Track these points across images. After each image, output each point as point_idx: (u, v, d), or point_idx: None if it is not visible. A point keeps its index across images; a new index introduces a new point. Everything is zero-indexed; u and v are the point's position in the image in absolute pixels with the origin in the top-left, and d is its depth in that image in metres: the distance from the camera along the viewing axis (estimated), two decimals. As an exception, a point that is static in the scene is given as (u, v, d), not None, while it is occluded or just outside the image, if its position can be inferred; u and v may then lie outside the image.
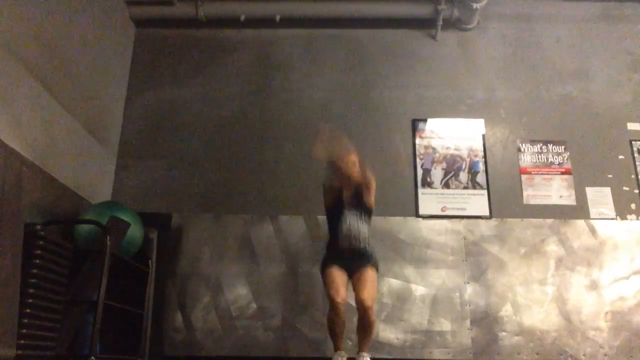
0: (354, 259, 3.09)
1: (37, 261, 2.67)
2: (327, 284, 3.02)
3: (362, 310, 2.89)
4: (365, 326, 2.94)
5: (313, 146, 3.33)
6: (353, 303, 3.01)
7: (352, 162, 3.18)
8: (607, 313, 3.83)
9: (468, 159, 4.32)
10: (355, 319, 3.01)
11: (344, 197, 3.19)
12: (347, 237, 3.09)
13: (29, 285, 2.62)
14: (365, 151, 4.30)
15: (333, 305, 2.91)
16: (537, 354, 3.73)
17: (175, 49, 4.71)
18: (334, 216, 3.18)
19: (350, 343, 3.71)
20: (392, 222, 4.07)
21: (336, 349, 2.99)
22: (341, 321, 2.94)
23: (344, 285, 2.98)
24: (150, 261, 3.76)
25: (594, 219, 4.11)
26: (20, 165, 2.87)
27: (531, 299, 3.87)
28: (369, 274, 3.03)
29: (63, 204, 3.38)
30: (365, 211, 3.18)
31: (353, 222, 3.12)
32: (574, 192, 4.21)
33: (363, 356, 2.94)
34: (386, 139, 4.36)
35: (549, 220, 4.09)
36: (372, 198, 3.20)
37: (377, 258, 3.17)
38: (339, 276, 3.00)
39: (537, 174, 4.28)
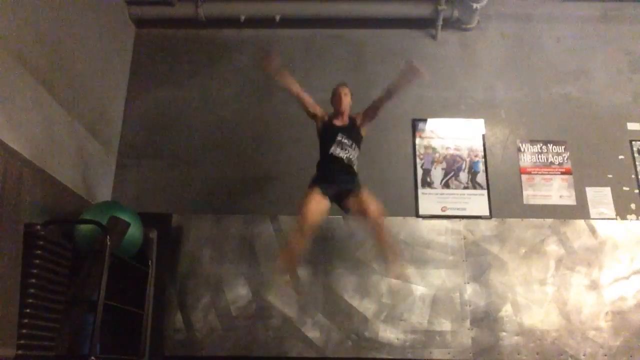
0: (341, 181, 3.22)
1: (37, 261, 2.67)
2: (305, 204, 3.11)
3: (375, 221, 3.09)
4: (383, 237, 3.14)
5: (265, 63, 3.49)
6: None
7: (345, 94, 3.40)
8: (607, 313, 3.83)
9: (468, 159, 4.32)
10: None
11: (335, 123, 3.33)
12: (339, 157, 3.23)
13: (29, 285, 2.61)
14: (365, 151, 4.32)
15: (302, 221, 3.05)
16: (537, 354, 3.73)
17: (175, 49, 4.71)
18: (325, 139, 3.34)
19: (350, 343, 3.72)
20: (392, 222, 4.06)
21: (293, 277, 3.17)
22: (301, 242, 3.08)
23: (320, 212, 3.11)
24: (150, 261, 3.76)
25: (594, 219, 4.11)
26: (20, 165, 2.87)
27: (531, 299, 3.87)
28: (363, 195, 3.18)
29: (63, 204, 3.38)
30: (357, 138, 3.35)
31: (344, 146, 3.26)
32: (574, 192, 4.21)
33: (402, 265, 3.17)
34: (386, 139, 4.36)
35: (549, 220, 4.09)
36: (366, 123, 3.41)
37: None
38: (319, 202, 3.12)
39: (537, 174, 4.28)
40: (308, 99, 3.45)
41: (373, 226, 3.12)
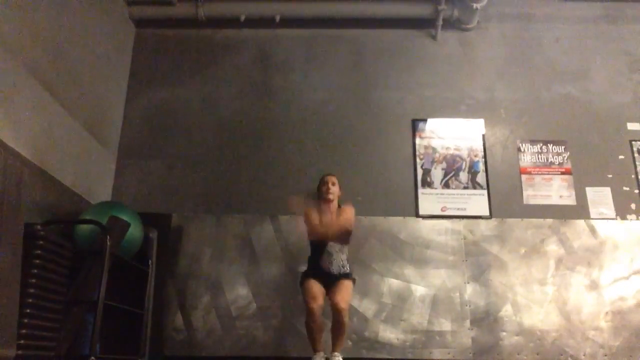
0: (334, 279, 3.29)
1: (37, 261, 2.67)
2: (304, 292, 3.25)
3: (335, 312, 3.09)
4: (337, 327, 3.12)
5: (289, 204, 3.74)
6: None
7: (332, 183, 3.49)
8: (607, 313, 3.83)
9: (468, 159, 4.32)
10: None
11: (324, 232, 3.36)
12: (327, 266, 3.31)
13: (29, 285, 2.61)
14: (365, 151, 4.33)
15: (309, 310, 3.14)
16: (537, 354, 3.73)
17: (175, 49, 4.71)
18: (316, 244, 3.41)
19: (350, 343, 3.72)
20: (392, 222, 4.07)
21: (315, 350, 3.19)
22: (318, 326, 3.15)
23: (320, 293, 3.19)
24: (150, 261, 3.76)
25: (594, 219, 4.11)
26: (21, 165, 2.87)
27: (531, 299, 3.87)
28: (344, 282, 3.25)
29: (63, 204, 3.38)
30: (344, 241, 3.40)
31: (333, 254, 3.33)
32: (574, 192, 4.21)
33: (335, 356, 3.13)
34: (386, 139, 4.36)
35: (549, 220, 4.09)
36: (351, 224, 3.41)
37: (354, 274, 3.40)
38: (315, 285, 3.23)
39: (537, 174, 4.28)
40: (312, 224, 3.41)
41: (333, 313, 3.11)
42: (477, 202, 4.17)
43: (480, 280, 3.93)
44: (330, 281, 3.28)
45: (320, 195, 3.52)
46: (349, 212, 3.44)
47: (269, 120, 4.45)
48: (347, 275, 3.32)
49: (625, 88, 4.55)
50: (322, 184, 3.52)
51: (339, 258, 3.34)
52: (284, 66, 4.65)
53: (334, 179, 3.53)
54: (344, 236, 3.38)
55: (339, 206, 3.52)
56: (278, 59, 4.68)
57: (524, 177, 4.27)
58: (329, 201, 3.46)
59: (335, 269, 3.30)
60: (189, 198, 4.20)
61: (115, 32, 4.40)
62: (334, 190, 3.48)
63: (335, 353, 3.14)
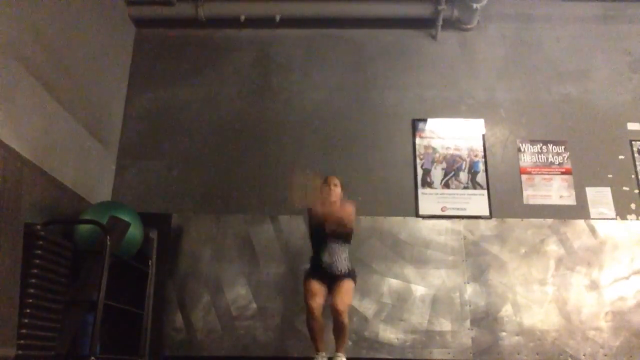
0: (335, 278, 3.31)
1: (37, 261, 2.67)
2: (305, 291, 3.29)
3: (335, 314, 3.13)
4: (338, 328, 3.16)
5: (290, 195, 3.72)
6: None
7: (334, 184, 3.50)
8: (607, 313, 3.83)
9: (468, 159, 4.32)
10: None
11: (326, 228, 3.38)
12: (329, 264, 3.33)
13: (29, 285, 2.61)
14: (365, 151, 4.33)
15: (309, 310, 3.18)
16: (537, 354, 3.73)
17: (175, 49, 4.71)
18: (317, 242, 3.44)
19: (350, 343, 3.72)
20: (392, 222, 4.07)
21: (317, 350, 3.22)
22: (318, 325, 3.19)
23: (321, 293, 3.24)
24: (150, 261, 3.76)
25: (594, 219, 4.11)
26: (21, 165, 2.87)
27: (531, 299, 3.87)
28: (345, 283, 3.27)
29: (63, 204, 3.38)
30: (346, 239, 3.43)
31: (334, 251, 3.36)
32: (574, 192, 4.21)
33: (339, 356, 3.18)
34: (386, 139, 4.36)
35: (549, 220, 4.09)
36: (351, 223, 3.43)
37: (355, 272, 3.42)
38: (316, 285, 3.27)
39: (537, 174, 4.28)
40: (315, 207, 3.47)
41: (333, 315, 3.15)
42: (477, 202, 4.17)
43: (480, 280, 3.93)
44: (332, 280, 3.29)
45: (322, 197, 3.52)
46: (349, 207, 3.44)
47: (269, 120, 4.45)
48: (348, 275, 3.33)
49: (625, 88, 4.55)
50: (324, 186, 3.53)
51: (340, 256, 3.36)
52: (284, 66, 4.65)
53: (336, 181, 3.54)
54: (344, 227, 3.37)
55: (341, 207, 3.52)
56: (278, 59, 4.68)
57: (524, 177, 4.27)
58: (331, 203, 3.46)
59: (336, 266, 3.32)
60: (189, 198, 4.20)
61: (115, 32, 4.40)
62: (336, 192, 3.50)
63: (339, 353, 3.18)
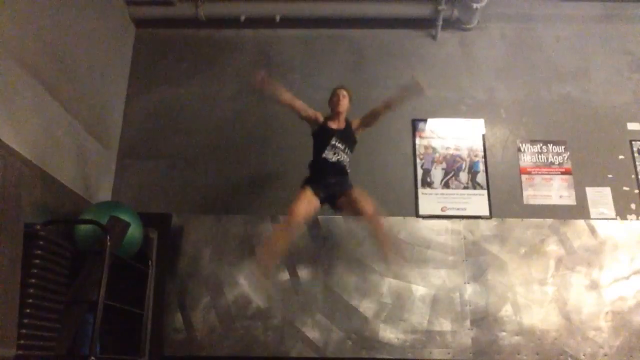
0: (333, 184, 3.27)
1: (37, 261, 2.67)
2: (295, 202, 3.17)
3: (370, 218, 3.14)
4: (381, 236, 3.21)
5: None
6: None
7: (343, 95, 3.46)
8: (607, 313, 3.83)
9: (468, 159, 4.32)
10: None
11: (330, 126, 3.37)
12: (330, 158, 3.30)
13: (29, 285, 2.61)
14: (365, 151, 4.32)
15: (289, 218, 3.11)
16: (537, 354, 3.73)
17: (175, 49, 4.71)
18: (319, 141, 3.40)
19: (350, 343, 3.72)
20: (392, 222, 4.07)
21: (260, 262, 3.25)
22: (285, 236, 3.17)
23: (311, 205, 3.18)
24: (150, 261, 3.76)
25: (594, 219, 4.11)
26: (20, 165, 2.86)
27: (531, 299, 3.87)
28: (356, 191, 3.24)
29: (63, 204, 3.38)
30: (351, 142, 3.41)
31: (339, 150, 3.32)
32: (574, 192, 4.21)
33: (401, 263, 3.29)
34: (386, 139, 4.36)
35: (549, 220, 4.09)
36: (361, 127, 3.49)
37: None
38: (310, 200, 3.19)
39: (537, 174, 4.28)
40: (300, 104, 3.48)
41: (370, 224, 3.16)
42: (477, 202, 4.17)
43: (480, 280, 3.93)
44: (333, 188, 3.25)
45: (330, 107, 3.50)
46: (358, 121, 3.50)
47: (269, 120, 4.45)
48: (347, 184, 3.30)
49: (625, 88, 4.55)
50: (333, 96, 3.50)
51: (344, 157, 3.31)
52: (284, 66, 4.65)
53: (344, 92, 3.50)
54: (354, 123, 3.41)
55: (347, 121, 3.52)
56: (278, 59, 4.68)
57: (524, 177, 4.27)
58: (338, 114, 3.45)
59: (337, 169, 3.27)
60: (189, 198, 4.20)
61: (115, 32, 4.40)
62: (344, 103, 3.46)
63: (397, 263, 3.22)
